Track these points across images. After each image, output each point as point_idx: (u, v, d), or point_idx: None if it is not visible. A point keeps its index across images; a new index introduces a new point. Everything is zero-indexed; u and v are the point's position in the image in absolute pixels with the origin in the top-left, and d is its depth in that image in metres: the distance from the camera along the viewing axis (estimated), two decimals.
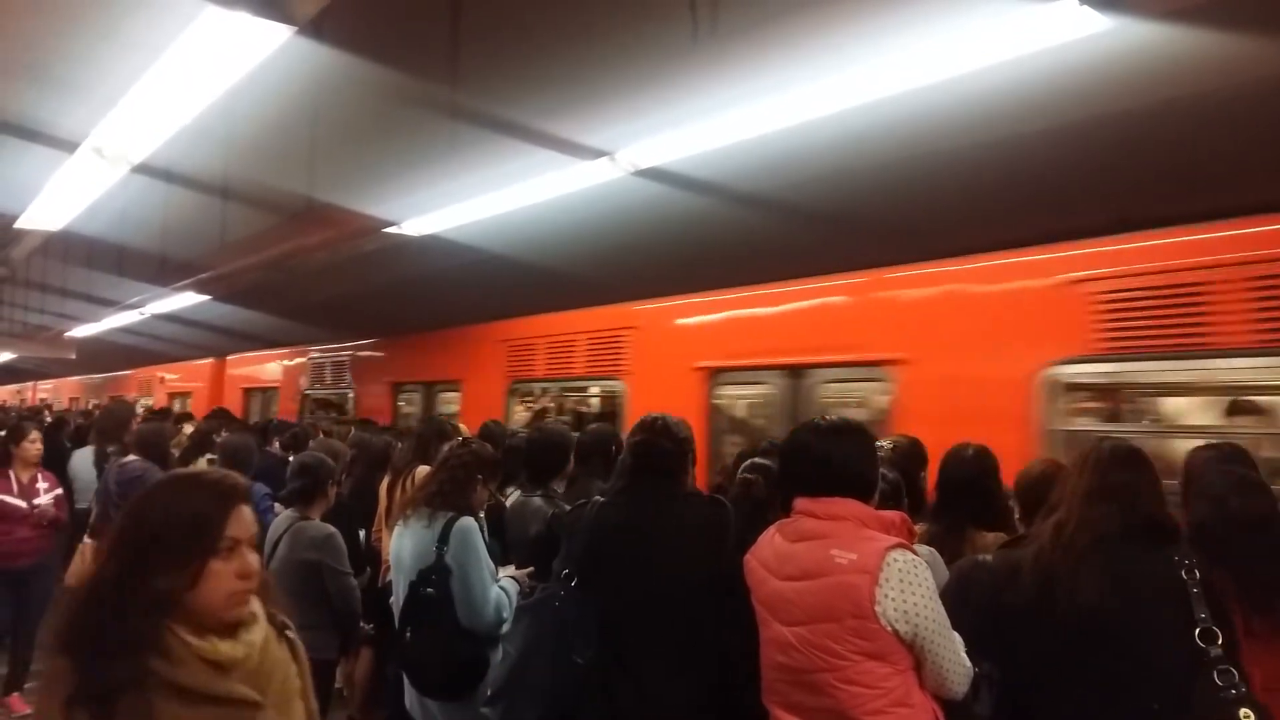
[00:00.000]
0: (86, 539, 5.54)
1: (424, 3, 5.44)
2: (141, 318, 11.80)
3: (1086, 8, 2.49)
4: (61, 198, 9.99)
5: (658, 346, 6.06)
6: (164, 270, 9.61)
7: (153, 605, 1.37)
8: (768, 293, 5.36)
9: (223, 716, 1.41)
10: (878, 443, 2.52)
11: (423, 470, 3.95)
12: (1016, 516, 2.91)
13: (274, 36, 5.01)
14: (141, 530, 1.45)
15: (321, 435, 6.74)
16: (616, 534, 2.67)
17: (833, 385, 5.04)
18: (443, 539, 3.11)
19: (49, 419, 10.48)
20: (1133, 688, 2.01)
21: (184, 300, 9.96)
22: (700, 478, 3.84)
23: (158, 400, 15.29)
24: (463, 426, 5.16)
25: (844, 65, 3.05)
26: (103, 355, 17.27)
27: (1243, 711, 1.91)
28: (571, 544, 2.75)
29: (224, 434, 6.15)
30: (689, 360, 5.66)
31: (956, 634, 2.05)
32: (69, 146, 8.06)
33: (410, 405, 9.11)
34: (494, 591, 3.12)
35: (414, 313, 8.70)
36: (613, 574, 2.62)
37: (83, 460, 6.70)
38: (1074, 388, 3.95)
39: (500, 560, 3.33)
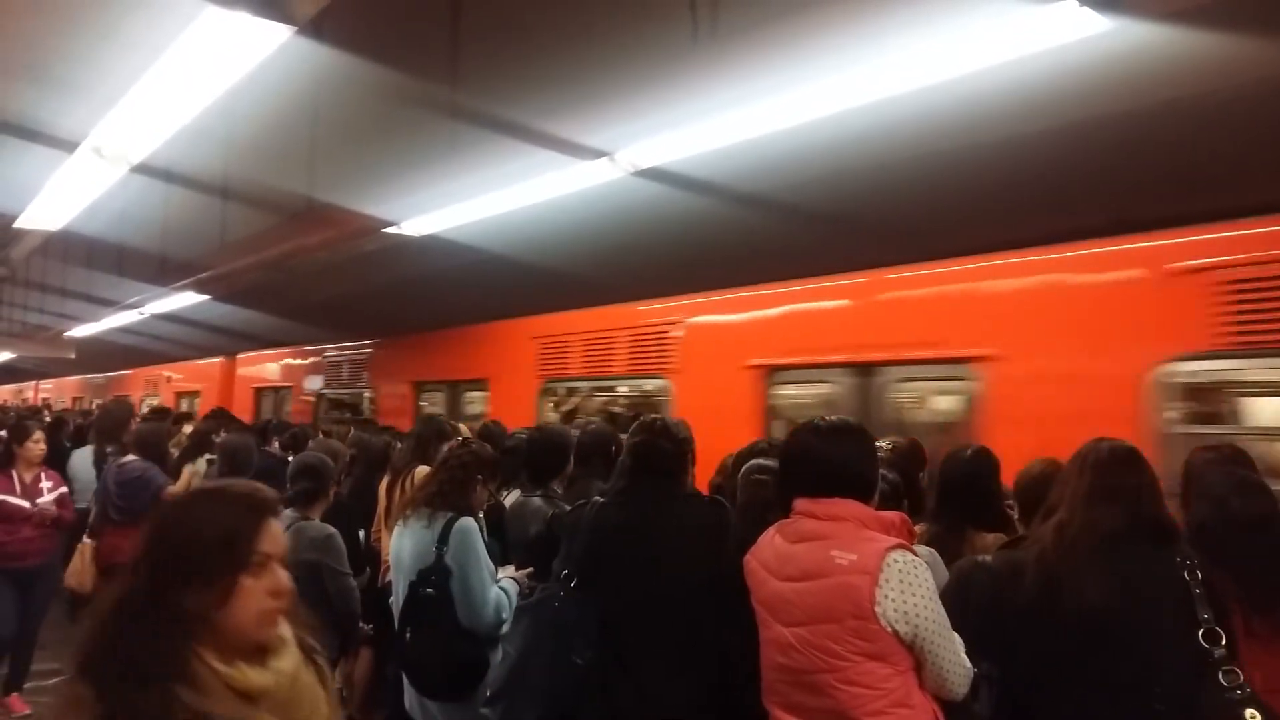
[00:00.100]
0: (86, 539, 5.55)
1: (424, 3, 5.44)
2: (141, 318, 11.79)
3: (1086, 9, 2.49)
4: (61, 197, 9.99)
5: (707, 343, 5.73)
6: (164, 270, 9.61)
7: (181, 626, 1.30)
8: (834, 285, 5.02)
9: None
10: (877, 443, 2.51)
11: (422, 470, 3.95)
12: (1016, 517, 2.91)
13: (274, 36, 5.01)
14: (168, 546, 1.37)
15: (322, 435, 6.74)
16: (616, 534, 2.66)
17: (908, 384, 4.69)
18: (442, 539, 3.11)
19: (48, 418, 10.46)
20: (1136, 688, 2.01)
21: (184, 300, 9.95)
22: None
23: (164, 400, 14.84)
24: (463, 427, 5.15)
25: (844, 66, 3.05)
26: (105, 355, 17.16)
27: (1249, 712, 1.91)
28: (571, 544, 2.75)
29: (223, 434, 6.15)
30: (742, 357, 5.33)
31: (956, 635, 2.05)
32: (69, 146, 8.06)
33: (434, 405, 8.68)
34: (494, 592, 3.12)
35: (415, 313, 8.69)
36: (613, 574, 2.62)
37: (82, 460, 6.69)
38: (1192, 387, 3.62)
39: (500, 560, 3.33)
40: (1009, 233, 4.21)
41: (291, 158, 6.57)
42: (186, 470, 5.83)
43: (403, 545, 3.25)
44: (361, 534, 4.40)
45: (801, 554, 2.10)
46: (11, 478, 5.20)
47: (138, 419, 7.97)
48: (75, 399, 21.16)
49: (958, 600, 2.18)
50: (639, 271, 5.99)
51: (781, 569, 2.13)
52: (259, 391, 12.54)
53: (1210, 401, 3.71)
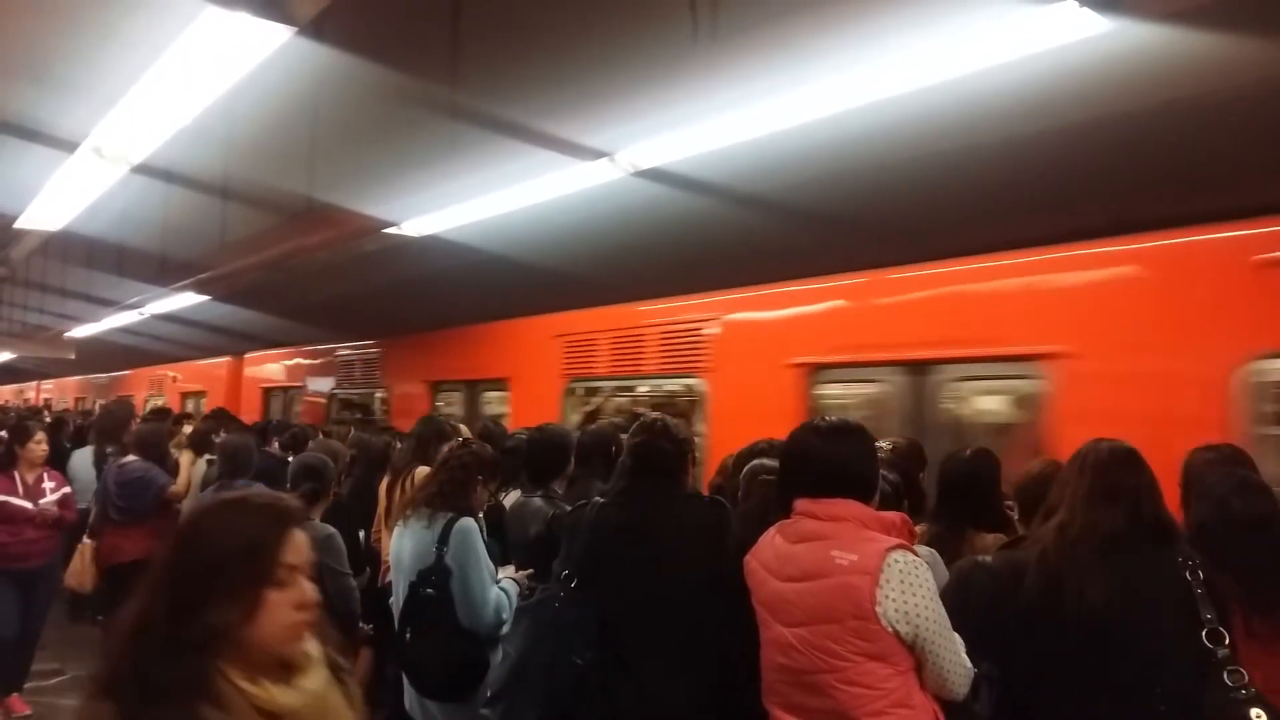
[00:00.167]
0: (86, 539, 5.56)
1: (424, 3, 5.44)
2: (141, 318, 11.79)
3: (1086, 9, 2.49)
4: (61, 198, 10.00)
5: (745, 340, 5.47)
6: (164, 270, 9.61)
7: (205, 643, 1.25)
8: (884, 279, 4.73)
9: None
10: (877, 444, 2.51)
11: (422, 471, 3.95)
12: (1016, 517, 2.91)
13: (274, 37, 5.01)
14: (189, 559, 1.33)
15: (321, 435, 6.74)
16: (616, 535, 2.67)
17: (967, 383, 4.41)
18: (442, 540, 3.11)
19: (48, 418, 10.46)
20: (1139, 688, 2.01)
21: (185, 300, 9.95)
22: None
23: (170, 401, 14.51)
24: (463, 428, 5.15)
25: (844, 66, 3.05)
26: (107, 355, 17.11)
27: (1254, 712, 1.91)
28: (571, 545, 2.75)
29: (223, 434, 6.15)
30: (784, 355, 5.05)
31: (957, 635, 2.05)
32: (69, 146, 8.06)
33: (451, 406, 8.35)
34: (494, 592, 3.12)
35: (415, 313, 8.69)
36: (613, 574, 2.62)
37: (82, 460, 6.70)
38: None
39: (499, 561, 3.33)
40: (1009, 233, 4.21)
41: (292, 158, 6.57)
42: (184, 462, 5.81)
43: (403, 545, 3.26)
44: (361, 534, 4.40)
45: (802, 554, 2.10)
46: (14, 479, 5.18)
47: (138, 420, 7.98)
48: (78, 399, 20.96)
49: (958, 600, 2.19)
50: (639, 271, 5.99)
51: (782, 569, 2.13)
52: (268, 392, 12.25)
53: None
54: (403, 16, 5.73)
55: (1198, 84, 2.91)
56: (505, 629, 3.00)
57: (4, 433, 6.52)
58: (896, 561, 1.98)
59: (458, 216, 5.31)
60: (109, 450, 6.28)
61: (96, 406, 14.95)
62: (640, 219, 4.98)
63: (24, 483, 5.21)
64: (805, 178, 4.07)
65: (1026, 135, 3.35)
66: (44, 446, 5.38)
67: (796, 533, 2.15)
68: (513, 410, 7.17)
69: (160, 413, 9.43)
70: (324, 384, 10.50)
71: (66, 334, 15.92)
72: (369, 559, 4.28)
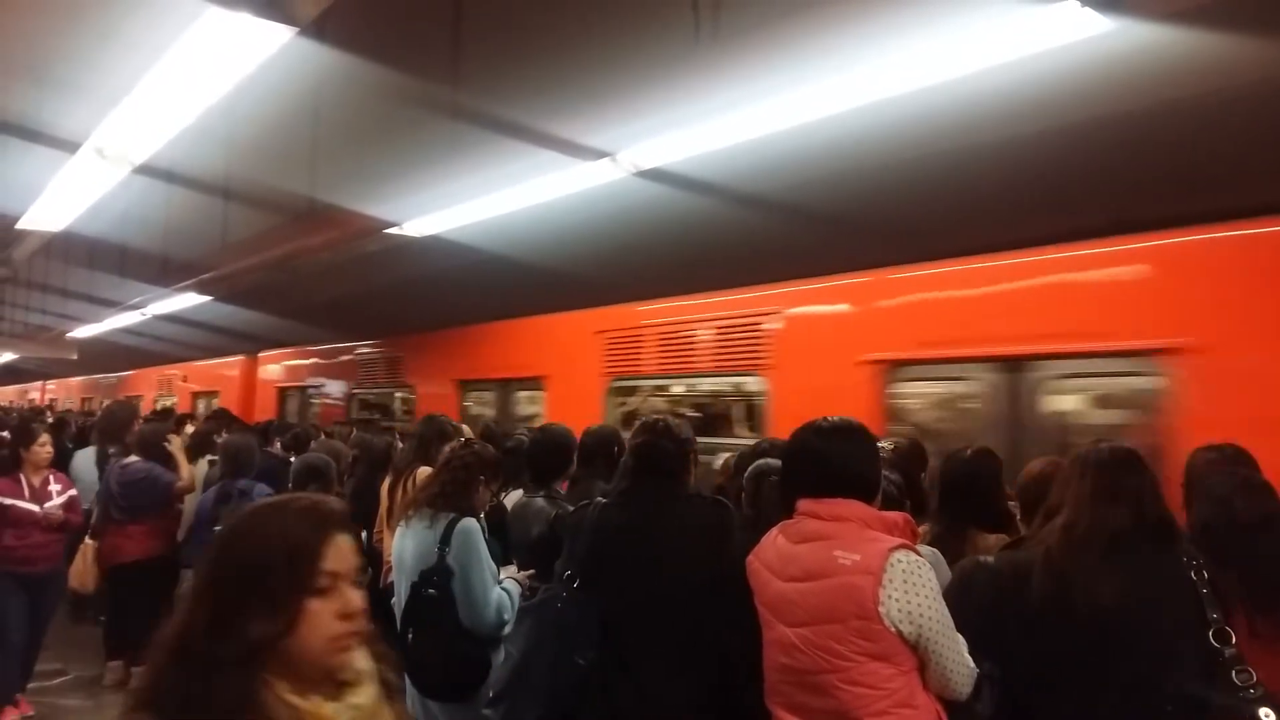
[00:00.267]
0: (87, 539, 5.56)
1: (426, 4, 5.45)
2: (143, 318, 11.81)
3: (1088, 9, 2.50)
4: (63, 198, 10.03)
5: (811, 335, 5.09)
6: (166, 271, 9.63)
7: (247, 656, 1.19)
8: (974, 268, 4.34)
9: None
10: (879, 443, 2.51)
11: (424, 471, 3.95)
12: (1018, 517, 2.91)
13: (276, 37, 5.03)
14: (228, 569, 1.27)
15: (323, 436, 6.75)
16: (619, 535, 2.67)
17: (1072, 380, 4.03)
18: (444, 540, 3.11)
19: (50, 419, 10.47)
20: (1146, 688, 2.01)
21: (189, 301, 9.97)
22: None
23: (179, 402, 14.20)
24: (465, 428, 5.16)
25: (846, 66, 3.05)
26: (114, 355, 17.05)
27: (1263, 711, 1.91)
28: (574, 545, 2.75)
29: (225, 435, 6.16)
30: (855, 351, 4.70)
31: (960, 635, 2.05)
32: (71, 147, 8.09)
33: (480, 406, 7.94)
34: (495, 593, 3.12)
35: (416, 313, 8.69)
36: (615, 574, 2.62)
37: (84, 461, 6.70)
38: None
39: (500, 561, 3.33)
40: (1010, 233, 4.21)
41: (293, 158, 6.58)
42: (181, 459, 5.81)
43: (405, 546, 3.26)
44: (363, 535, 4.41)
45: (805, 554, 2.10)
46: (19, 482, 5.09)
47: (141, 420, 7.97)
48: (84, 399, 20.61)
49: (960, 600, 2.18)
50: (640, 271, 5.99)
51: (785, 569, 2.14)
52: (283, 392, 11.78)
53: None
54: (404, 17, 5.74)
55: (1198, 84, 2.92)
56: (507, 629, 3.01)
57: (5, 434, 6.53)
58: (899, 561, 1.98)
59: (459, 217, 5.31)
60: (111, 451, 6.27)
61: (102, 406, 14.80)
62: (642, 219, 4.99)
63: (30, 485, 5.13)
64: (807, 178, 4.07)
65: (1028, 136, 3.36)
66: (48, 449, 5.28)
67: (799, 533, 2.15)
68: (548, 411, 6.74)
69: (162, 413, 9.44)
70: (343, 384, 10.12)
71: (69, 334, 15.93)
72: (371, 559, 4.28)
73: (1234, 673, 1.94)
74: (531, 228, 5.27)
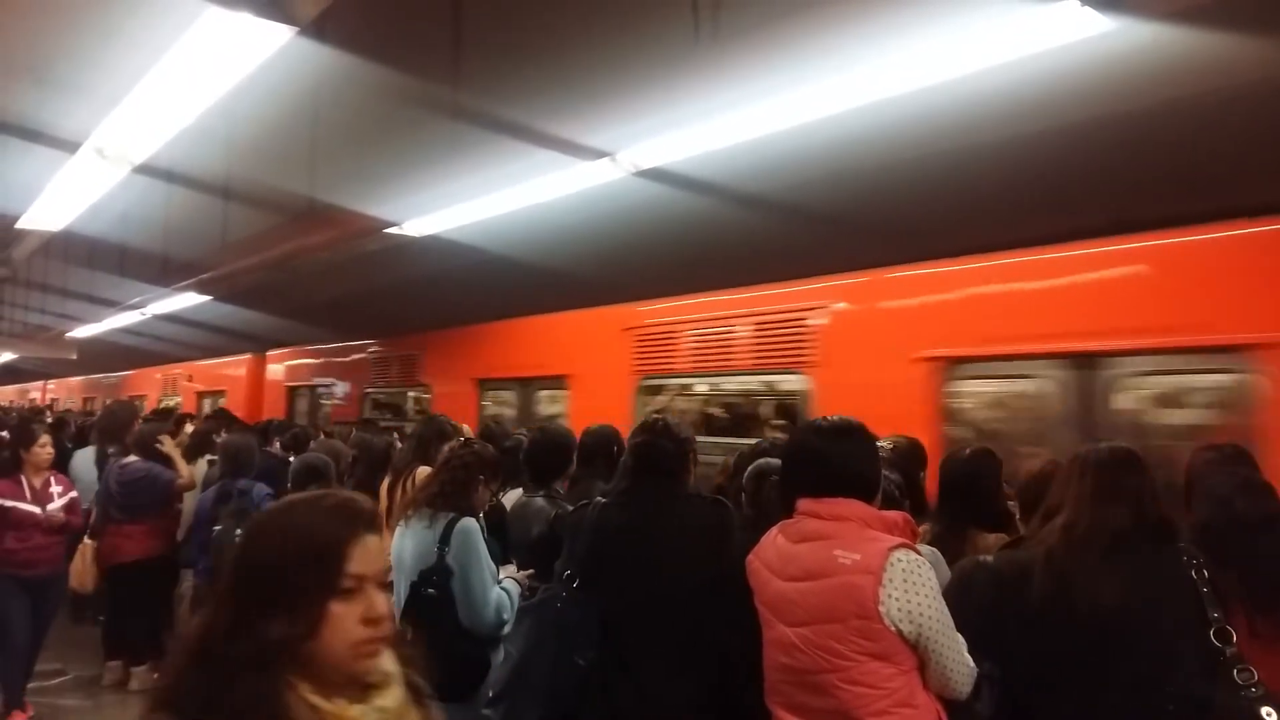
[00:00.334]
0: (86, 539, 5.55)
1: (426, 4, 5.45)
2: (147, 318, 11.80)
3: (1088, 9, 2.50)
4: (63, 198, 10.03)
5: (860, 331, 4.83)
6: (166, 271, 9.63)
7: (268, 658, 1.16)
8: (1042, 259, 4.08)
9: None
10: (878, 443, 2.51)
11: (423, 471, 3.95)
12: (1018, 517, 2.91)
13: (276, 37, 5.03)
14: (251, 566, 1.23)
15: (323, 436, 6.75)
16: (618, 534, 2.67)
17: (1152, 378, 3.76)
18: (444, 540, 3.11)
19: (49, 419, 10.46)
20: (1148, 687, 2.01)
21: (191, 300, 9.96)
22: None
23: (184, 402, 13.84)
24: (465, 428, 5.16)
25: (846, 66, 3.05)
26: (118, 355, 16.99)
27: (1265, 710, 1.91)
28: (573, 545, 2.75)
29: (224, 434, 6.16)
30: (908, 348, 4.43)
31: (959, 634, 2.05)
32: (70, 147, 8.09)
33: (500, 406, 7.65)
34: (495, 592, 3.12)
35: (417, 313, 8.69)
36: (614, 574, 2.62)
37: (84, 461, 6.70)
38: None
39: (499, 560, 3.33)
40: (1010, 233, 4.21)
41: (293, 158, 6.58)
42: (177, 457, 5.80)
43: (404, 546, 3.26)
44: None
45: (805, 554, 2.10)
46: (20, 483, 5.05)
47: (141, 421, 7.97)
48: (86, 399, 20.30)
49: (959, 600, 2.18)
50: (641, 271, 5.99)
51: (785, 569, 2.14)
52: (293, 391, 11.44)
53: None
54: (404, 17, 5.74)
55: (1198, 84, 2.92)
56: (507, 629, 3.01)
57: (4, 434, 6.53)
58: (899, 561, 1.98)
59: (459, 217, 5.31)
60: (110, 451, 6.27)
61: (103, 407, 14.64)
62: (641, 219, 4.99)
63: (31, 487, 5.08)
64: (807, 178, 4.07)
65: (1028, 135, 3.36)
66: (49, 450, 5.23)
67: (799, 532, 2.15)
68: (573, 411, 6.47)
69: (161, 413, 9.43)
70: (356, 383, 9.80)
71: (68, 334, 15.93)
72: None
73: (1235, 672, 1.95)
74: (531, 228, 5.27)
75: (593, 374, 6.45)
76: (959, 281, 4.41)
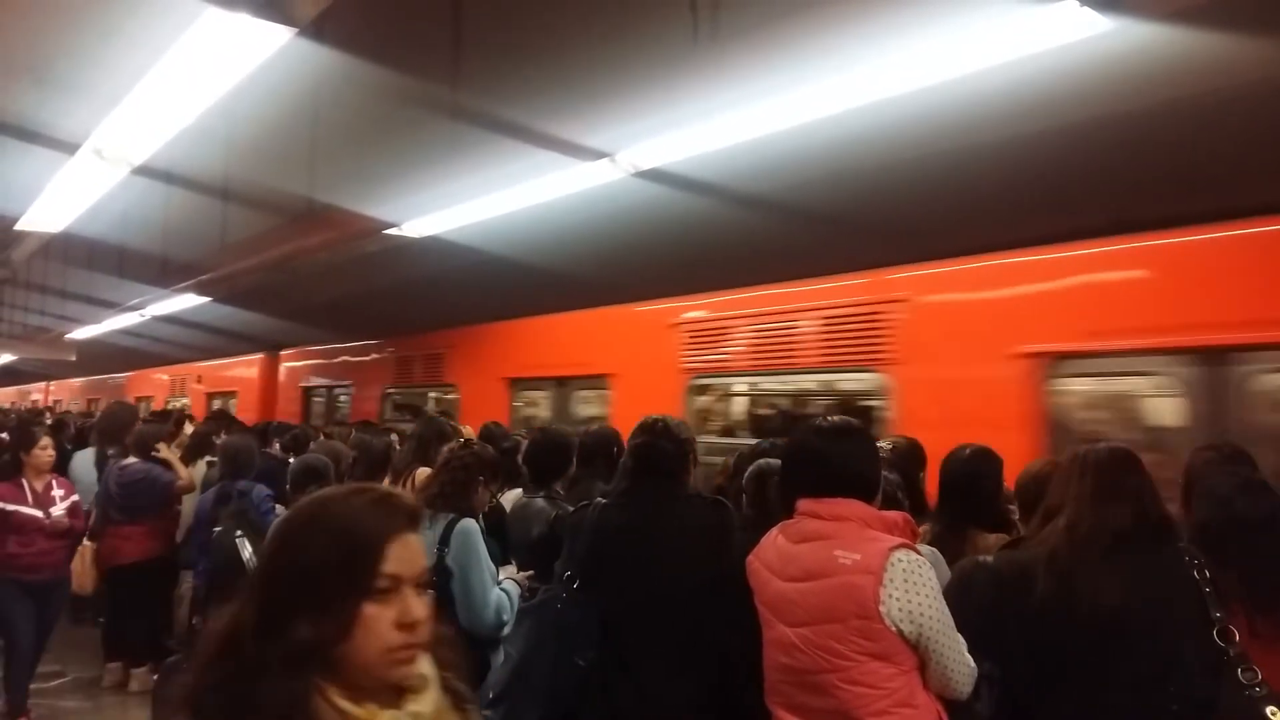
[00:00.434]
0: (86, 541, 5.54)
1: (425, 4, 5.45)
2: (150, 319, 11.79)
3: (1087, 9, 2.50)
4: (62, 199, 10.03)
5: (948, 324, 4.45)
6: (165, 272, 9.62)
7: (295, 660, 1.09)
8: (1166, 243, 3.68)
9: None
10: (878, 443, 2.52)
11: (423, 472, 3.95)
12: (1017, 517, 2.91)
13: (275, 38, 5.03)
14: (281, 564, 1.16)
15: (322, 436, 6.74)
16: (618, 535, 2.67)
17: None
18: (443, 541, 3.11)
19: (49, 420, 10.45)
20: (1152, 687, 2.01)
21: (188, 301, 9.96)
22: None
23: (194, 403, 13.34)
24: (466, 429, 5.15)
25: (845, 66, 3.05)
26: (120, 356, 16.93)
27: (1269, 709, 1.91)
28: (573, 545, 2.75)
29: (223, 436, 6.15)
30: (1006, 343, 4.08)
31: (960, 634, 2.05)
32: (70, 148, 8.09)
33: (532, 407, 7.29)
34: (494, 594, 3.12)
35: (417, 313, 8.68)
36: (614, 575, 2.62)
37: (83, 462, 6.69)
38: None
39: (498, 561, 3.33)
40: (1010, 233, 4.21)
41: (292, 159, 6.58)
42: (175, 460, 5.80)
43: None
44: None
45: (805, 554, 2.10)
46: (22, 486, 5.00)
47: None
48: (90, 401, 19.88)
49: (959, 600, 2.18)
50: (640, 271, 5.99)
51: (785, 569, 2.14)
52: (308, 392, 11.03)
53: None
54: (403, 17, 5.74)
55: (1198, 84, 2.92)
56: (506, 630, 3.00)
57: (3, 435, 6.52)
58: (900, 561, 1.98)
59: (458, 217, 5.31)
60: (110, 452, 6.26)
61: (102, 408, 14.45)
62: (641, 219, 4.98)
63: (33, 490, 5.03)
64: (806, 178, 4.07)
65: (1027, 135, 3.36)
66: (50, 452, 5.18)
67: (799, 533, 2.15)
68: (615, 412, 6.09)
69: (160, 414, 9.42)
70: (378, 383, 9.38)
71: (67, 336, 15.91)
72: None
73: (1239, 671, 1.95)
74: (530, 228, 5.27)
75: (637, 372, 6.12)
76: (1070, 267, 4.01)
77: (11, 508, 4.91)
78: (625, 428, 3.71)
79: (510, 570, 3.31)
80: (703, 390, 5.75)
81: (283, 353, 11.80)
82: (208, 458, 5.99)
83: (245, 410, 11.11)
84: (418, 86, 5.35)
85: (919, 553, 2.07)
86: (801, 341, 5.11)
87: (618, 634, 2.56)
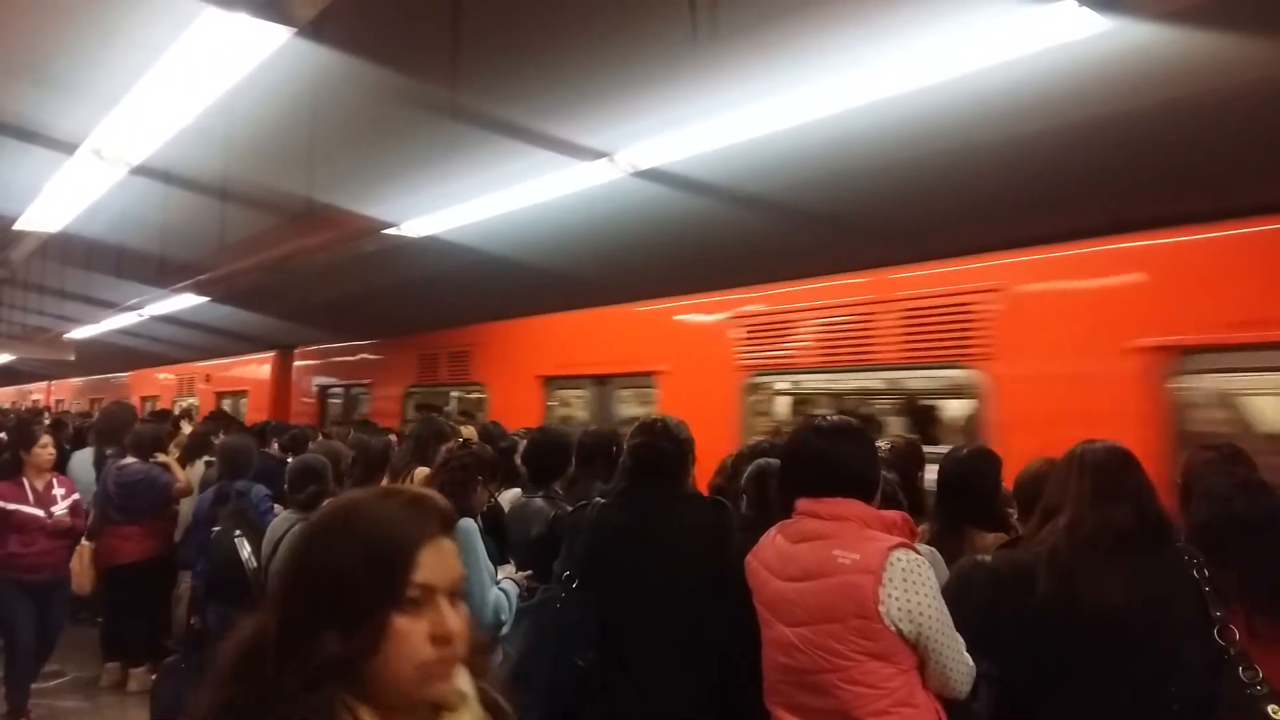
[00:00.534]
0: (85, 541, 5.53)
1: (424, 4, 5.44)
2: (140, 319, 11.78)
3: (1086, 9, 2.50)
4: (60, 199, 10.01)
5: (1050, 316, 4.09)
6: (164, 272, 9.61)
7: (321, 676, 1.01)
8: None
9: None
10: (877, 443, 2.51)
11: (422, 472, 3.95)
12: (1015, 517, 2.91)
13: (273, 37, 5.01)
14: (305, 572, 1.08)
15: (321, 437, 6.73)
16: (617, 535, 2.67)
17: None
18: None
19: (47, 420, 10.43)
20: (1153, 687, 2.01)
21: (187, 301, 9.95)
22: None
23: (202, 404, 13.04)
24: (468, 429, 5.15)
25: (844, 66, 3.05)
26: (118, 356, 16.90)
27: (1270, 708, 1.91)
28: (572, 545, 2.75)
29: (222, 436, 6.15)
30: (1121, 337, 3.75)
31: (959, 634, 2.05)
32: (68, 148, 8.07)
33: (569, 407, 6.91)
34: (493, 593, 3.11)
35: (417, 313, 8.67)
36: (613, 575, 2.62)
37: (82, 462, 6.68)
38: None
39: (496, 561, 3.33)
40: (1009, 233, 4.21)
41: (291, 159, 6.57)
42: (174, 463, 5.79)
43: None
44: None
45: (804, 554, 2.10)
46: (22, 485, 4.98)
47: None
48: (93, 400, 19.49)
49: (958, 600, 2.19)
50: (640, 271, 5.99)
51: (784, 569, 2.14)
52: (324, 391, 10.59)
53: None
54: (402, 17, 5.73)
55: (1198, 84, 2.92)
56: (505, 630, 3.00)
57: (2, 435, 6.51)
58: (899, 560, 1.98)
59: (458, 217, 5.31)
60: (109, 452, 6.26)
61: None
62: (640, 219, 4.98)
63: (33, 489, 5.01)
64: (805, 178, 4.07)
65: (1026, 135, 3.36)
66: (50, 451, 5.17)
67: (798, 532, 2.15)
68: (664, 412, 5.84)
69: (159, 414, 9.41)
70: (401, 382, 9.00)
71: (66, 335, 15.89)
72: None
73: (1240, 670, 1.95)
74: (529, 228, 5.26)
75: (687, 370, 5.76)
76: (1193, 252, 3.71)
77: (13, 507, 4.89)
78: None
79: (509, 570, 3.31)
80: (761, 388, 5.38)
81: (297, 350, 11.39)
82: (206, 458, 5.99)
83: (257, 411, 10.85)
84: (417, 86, 5.34)
85: (918, 552, 2.07)
86: (878, 336, 4.72)
87: (617, 634, 2.56)
